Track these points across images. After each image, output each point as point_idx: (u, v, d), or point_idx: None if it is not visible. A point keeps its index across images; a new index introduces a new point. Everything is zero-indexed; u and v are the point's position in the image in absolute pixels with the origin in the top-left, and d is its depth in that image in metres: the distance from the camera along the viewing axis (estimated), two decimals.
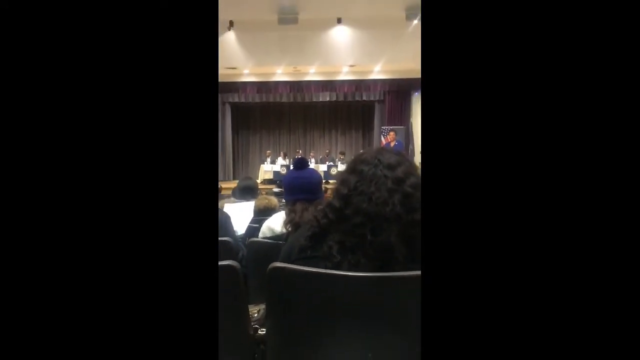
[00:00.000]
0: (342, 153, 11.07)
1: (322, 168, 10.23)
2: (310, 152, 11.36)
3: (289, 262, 1.10)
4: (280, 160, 10.61)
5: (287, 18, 7.58)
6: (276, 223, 1.88)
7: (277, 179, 9.63)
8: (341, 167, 10.04)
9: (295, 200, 1.68)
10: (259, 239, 1.84)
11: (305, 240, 1.12)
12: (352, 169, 1.13)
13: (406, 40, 8.32)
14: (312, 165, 10.32)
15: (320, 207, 1.28)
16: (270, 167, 10.36)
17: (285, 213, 1.72)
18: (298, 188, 1.69)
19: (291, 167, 1.83)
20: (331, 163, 10.39)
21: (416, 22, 7.63)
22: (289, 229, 1.62)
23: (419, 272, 1.02)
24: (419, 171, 1.17)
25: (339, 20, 7.95)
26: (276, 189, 7.18)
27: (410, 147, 10.53)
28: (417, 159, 10.47)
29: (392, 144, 10.33)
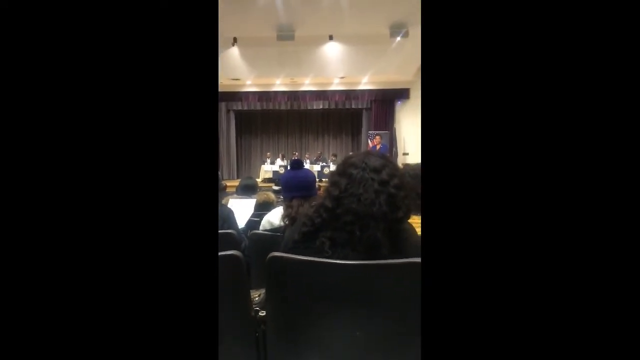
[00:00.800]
0: (334, 155, 11.07)
1: (316, 168, 10.20)
2: (305, 154, 11.32)
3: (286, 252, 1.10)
4: (279, 161, 10.57)
5: (285, 35, 7.57)
6: (275, 217, 1.87)
7: (276, 178, 9.59)
8: (333, 167, 10.00)
9: (292, 197, 1.67)
10: (260, 231, 1.83)
11: (299, 236, 1.12)
12: (342, 172, 1.13)
13: (390, 55, 8.36)
14: (307, 165, 10.30)
15: (314, 202, 1.28)
16: (270, 168, 10.32)
17: (283, 208, 1.71)
18: (294, 186, 1.68)
19: (288, 167, 1.83)
20: (324, 163, 10.36)
21: (399, 39, 7.65)
22: (286, 223, 1.61)
23: (401, 260, 1.03)
24: (401, 172, 1.17)
25: (331, 37, 7.95)
26: (275, 187, 7.17)
27: (394, 149, 10.53)
28: (400, 160, 10.49)
29: (377, 147, 10.33)
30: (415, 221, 1.55)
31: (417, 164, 1.74)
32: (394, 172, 1.13)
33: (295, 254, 1.07)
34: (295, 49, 8.09)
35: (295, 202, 1.64)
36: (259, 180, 10.25)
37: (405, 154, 10.62)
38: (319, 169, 10.10)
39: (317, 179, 1.83)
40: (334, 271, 1.02)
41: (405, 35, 7.56)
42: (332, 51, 8.29)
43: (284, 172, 1.78)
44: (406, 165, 1.71)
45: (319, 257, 1.05)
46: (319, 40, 8.06)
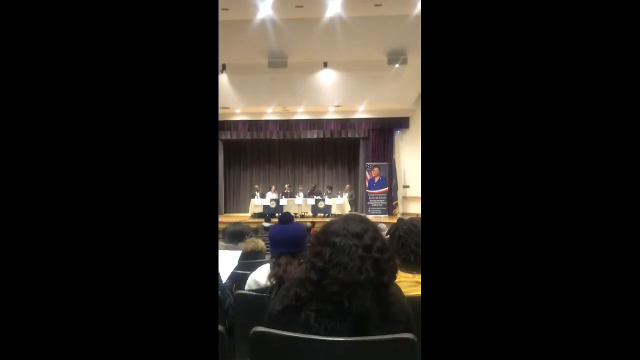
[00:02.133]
0: (330, 187, 11.12)
1: (310, 202, 10.25)
2: (299, 186, 11.36)
3: (270, 323, 1.13)
4: (270, 194, 10.59)
5: (277, 62, 7.70)
6: (261, 276, 1.89)
7: (266, 212, 9.60)
8: (328, 200, 10.08)
9: (280, 253, 1.70)
10: (246, 292, 1.85)
11: (282, 308, 1.14)
12: (324, 241, 1.17)
13: (388, 83, 8.49)
14: (300, 198, 10.35)
15: (302, 261, 1.30)
16: (260, 202, 10.34)
17: (270, 267, 1.73)
18: (283, 242, 1.71)
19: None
20: (319, 197, 10.41)
21: (397, 65, 7.78)
22: (273, 282, 1.63)
23: (391, 336, 1.05)
24: (381, 233, 1.22)
25: (325, 64, 8.10)
26: (265, 224, 7.17)
27: (394, 181, 10.59)
28: (400, 193, 10.55)
29: (376, 179, 10.41)
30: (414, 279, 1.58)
31: (411, 218, 1.79)
32: (375, 234, 1.18)
33: (280, 326, 1.10)
34: (287, 76, 8.22)
35: (283, 260, 1.66)
36: (248, 215, 10.25)
37: (405, 186, 10.69)
38: (314, 202, 10.14)
39: (309, 222, 1.84)
40: (322, 348, 1.04)
41: (404, 62, 7.72)
42: (327, 78, 8.43)
43: (272, 227, 1.81)
44: (400, 220, 1.74)
45: (304, 331, 1.07)
46: (312, 67, 8.21)
